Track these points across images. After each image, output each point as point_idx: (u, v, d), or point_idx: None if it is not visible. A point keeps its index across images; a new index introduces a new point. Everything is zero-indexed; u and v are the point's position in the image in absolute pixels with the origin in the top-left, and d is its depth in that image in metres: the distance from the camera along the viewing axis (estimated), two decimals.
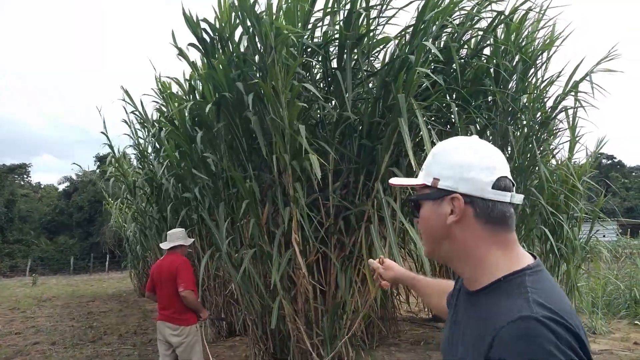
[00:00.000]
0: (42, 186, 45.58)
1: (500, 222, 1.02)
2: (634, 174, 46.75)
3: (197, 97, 6.22)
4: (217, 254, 5.88)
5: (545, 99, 6.14)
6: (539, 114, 6.09)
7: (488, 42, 5.26)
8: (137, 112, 9.04)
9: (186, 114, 5.30)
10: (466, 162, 1.02)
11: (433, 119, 5.09)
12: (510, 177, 1.04)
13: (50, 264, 31.99)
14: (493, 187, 1.00)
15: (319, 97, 4.25)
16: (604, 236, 7.97)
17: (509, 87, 5.69)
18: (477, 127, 5.55)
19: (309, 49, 4.72)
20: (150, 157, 9.17)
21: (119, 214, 16.84)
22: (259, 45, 4.31)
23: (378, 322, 6.54)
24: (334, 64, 5.03)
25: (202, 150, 5.25)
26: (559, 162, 7.03)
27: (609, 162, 44.30)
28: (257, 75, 4.43)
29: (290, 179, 4.39)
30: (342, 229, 4.94)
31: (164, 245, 4.52)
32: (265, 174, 5.01)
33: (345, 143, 5.05)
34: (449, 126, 5.42)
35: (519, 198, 1.03)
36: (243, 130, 4.75)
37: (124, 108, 8.98)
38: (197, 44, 4.53)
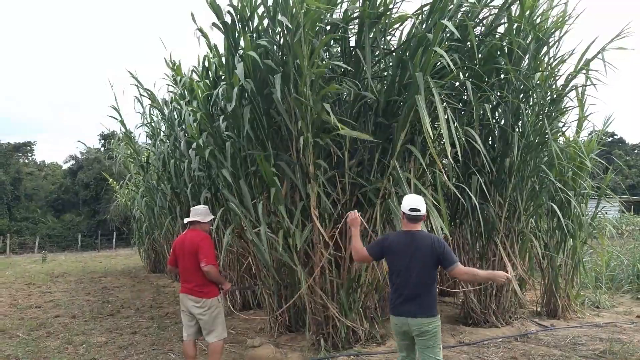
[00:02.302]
0: (46, 164, 45.79)
1: (409, 219, 3.41)
2: (635, 151, 46.69)
3: (210, 79, 6.33)
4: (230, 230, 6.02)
5: (557, 78, 6.18)
6: (549, 92, 6.15)
7: (503, 20, 5.29)
8: (147, 93, 9.19)
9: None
10: (403, 202, 3.47)
11: (447, 97, 5.16)
12: (415, 206, 3.37)
13: (58, 241, 32.39)
14: (409, 210, 3.38)
15: (350, 69, 4.26)
16: (606, 213, 8.06)
17: (522, 65, 5.74)
18: (490, 105, 5.63)
19: (328, 27, 4.76)
20: (163, 136, 9.32)
21: (125, 192, 17.02)
22: (284, 23, 4.31)
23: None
24: (352, 41, 5.07)
25: (222, 131, 5.35)
26: (567, 139, 7.11)
27: (610, 140, 44.15)
28: (278, 54, 4.49)
29: (312, 157, 4.49)
30: (363, 204, 5.08)
31: (186, 220, 4.68)
32: (283, 154, 5.13)
33: (361, 121, 5.15)
34: (461, 104, 5.50)
35: (415, 212, 3.39)
36: (264, 108, 4.83)
37: (137, 87, 9.09)
38: (218, 23, 4.57)
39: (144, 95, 9.33)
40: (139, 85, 9.15)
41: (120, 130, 10.83)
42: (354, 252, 3.73)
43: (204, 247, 4.40)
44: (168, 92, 9.01)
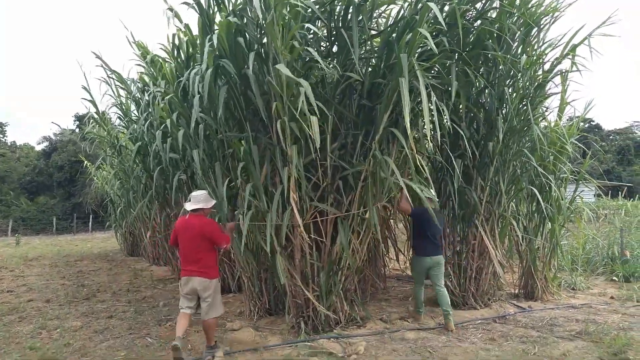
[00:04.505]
0: (18, 146, 44.42)
1: (428, 200, 4.99)
2: (610, 137, 47.74)
3: (182, 59, 6.10)
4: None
5: (543, 63, 6.16)
6: (534, 77, 6.12)
7: (494, 5, 5.21)
8: (114, 75, 8.96)
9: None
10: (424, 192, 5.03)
11: (433, 81, 5.08)
12: (430, 196, 5.18)
13: (32, 224, 31.63)
14: (426, 197, 4.92)
15: (320, 62, 4.15)
16: (582, 198, 8.17)
17: (511, 50, 5.68)
18: (476, 88, 5.59)
19: (310, 9, 4.59)
20: (134, 116, 9.09)
21: (102, 174, 16.64)
22: (260, 2, 4.15)
23: (373, 277, 6.73)
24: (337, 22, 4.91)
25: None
26: (549, 124, 7.14)
27: (587, 125, 44.96)
28: (255, 32, 4.32)
29: (288, 141, 4.38)
30: (341, 188, 5.00)
31: (188, 206, 4.69)
32: (262, 136, 4.99)
33: (345, 103, 5.04)
34: (447, 86, 5.42)
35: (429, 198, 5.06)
36: (241, 89, 4.68)
37: (104, 68, 8.84)
38: (192, 1, 4.37)
39: (111, 77, 9.07)
40: (105, 66, 8.89)
41: (92, 111, 10.52)
42: (402, 202, 5.53)
43: (215, 232, 4.60)
44: (138, 73, 8.77)
